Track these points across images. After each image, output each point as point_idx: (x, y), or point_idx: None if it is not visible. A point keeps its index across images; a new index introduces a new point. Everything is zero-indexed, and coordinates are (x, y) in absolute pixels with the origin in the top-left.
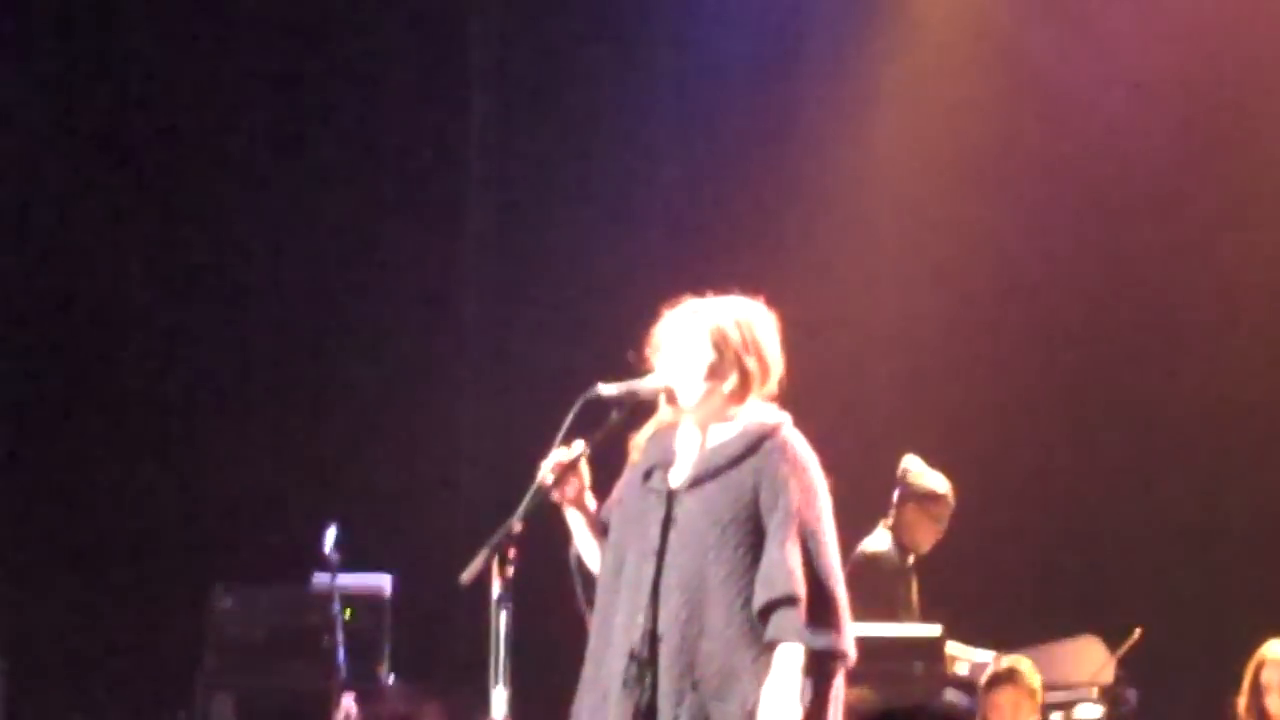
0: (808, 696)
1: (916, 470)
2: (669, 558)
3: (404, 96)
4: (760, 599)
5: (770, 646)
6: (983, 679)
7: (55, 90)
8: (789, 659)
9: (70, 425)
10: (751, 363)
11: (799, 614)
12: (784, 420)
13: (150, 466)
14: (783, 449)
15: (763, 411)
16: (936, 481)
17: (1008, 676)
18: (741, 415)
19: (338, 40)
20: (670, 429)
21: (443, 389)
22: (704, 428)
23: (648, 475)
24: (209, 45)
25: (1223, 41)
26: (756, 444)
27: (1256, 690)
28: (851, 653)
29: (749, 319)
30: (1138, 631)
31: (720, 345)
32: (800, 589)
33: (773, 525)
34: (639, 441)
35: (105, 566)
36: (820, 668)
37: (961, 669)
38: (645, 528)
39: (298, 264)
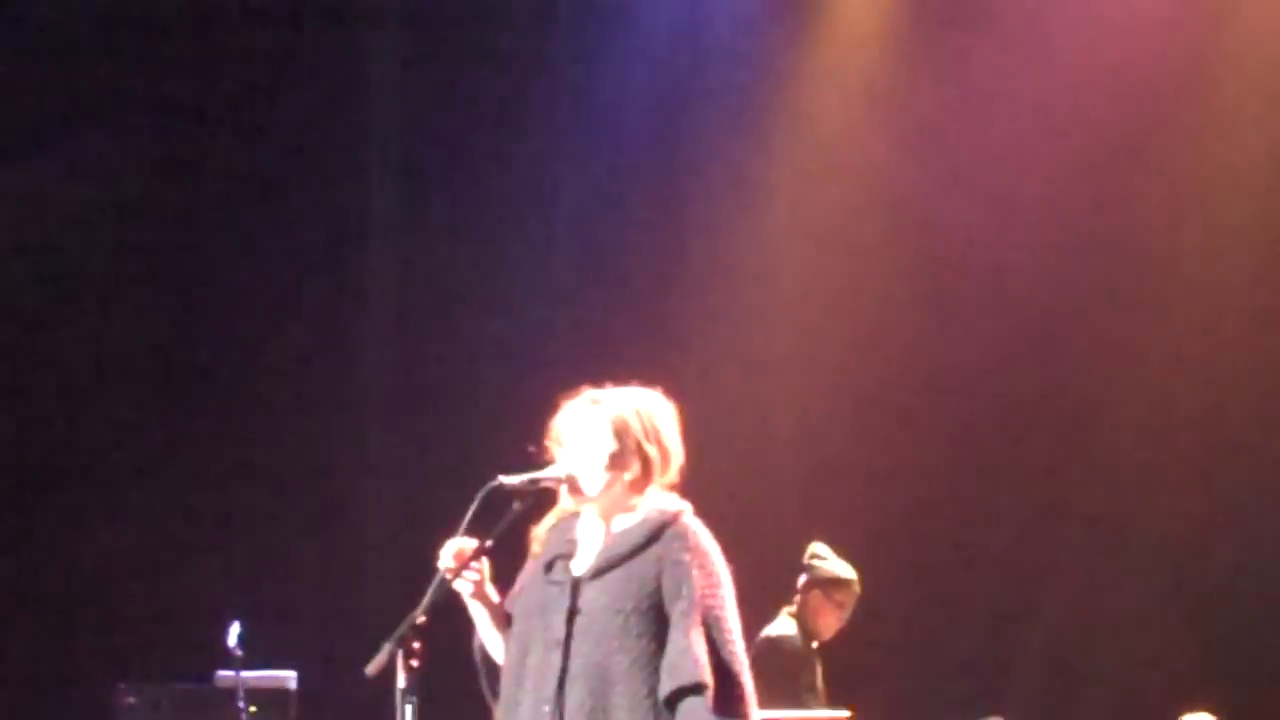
0: None
1: (823, 555)
2: (573, 647)
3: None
4: (666, 687)
5: None
6: None
7: None
8: None
9: None
10: (653, 451)
11: (706, 701)
12: (685, 508)
13: (51, 565)
14: (684, 536)
15: (664, 500)
16: (842, 569)
17: None
18: (643, 504)
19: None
20: (571, 519)
21: (346, 484)
22: (606, 517)
23: (549, 566)
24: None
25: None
26: (658, 532)
27: None
28: None
29: (649, 408)
30: None
31: (621, 434)
32: (706, 676)
33: (676, 613)
34: (540, 533)
35: (8, 665)
36: None
37: None
38: (548, 619)
39: (189, 353)
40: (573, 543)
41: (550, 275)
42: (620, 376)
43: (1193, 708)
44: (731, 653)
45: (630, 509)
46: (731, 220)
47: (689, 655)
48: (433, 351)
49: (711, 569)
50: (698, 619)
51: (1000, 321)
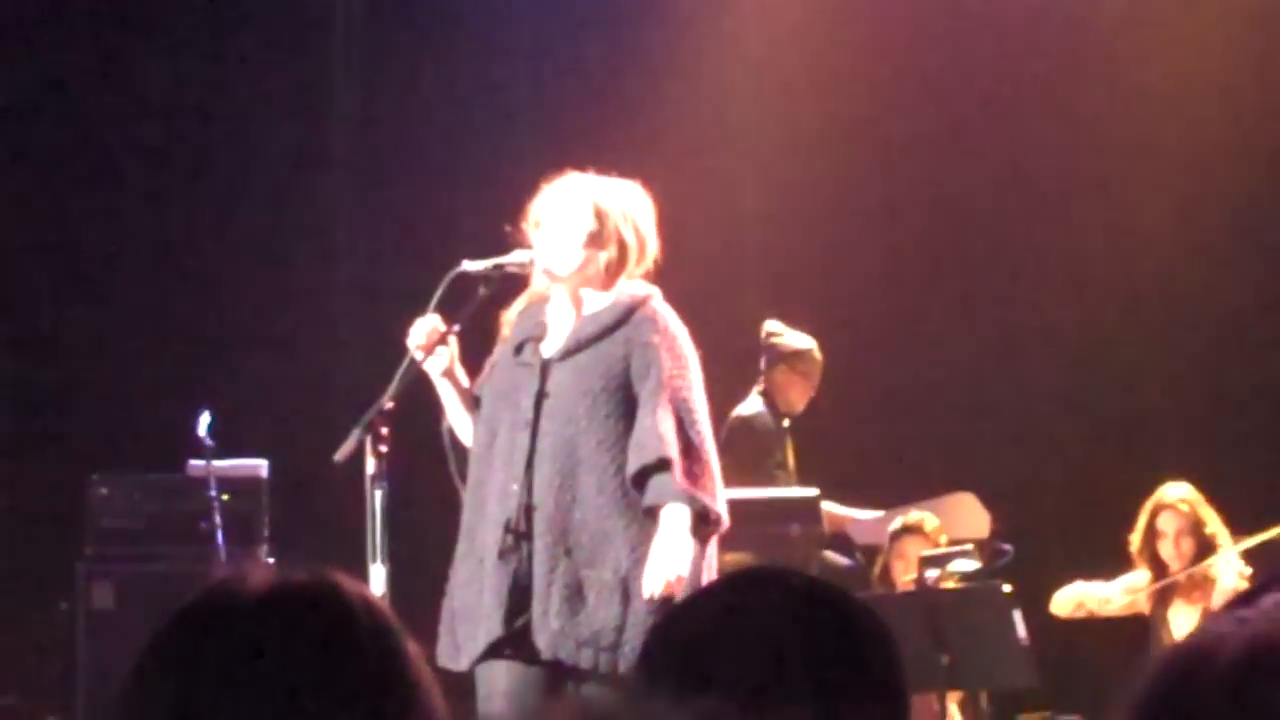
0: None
1: (779, 331)
2: (542, 427)
3: None
4: (634, 464)
5: (646, 512)
6: (890, 528)
7: None
8: (676, 518)
9: None
10: (630, 236)
11: (674, 477)
12: (654, 292)
13: (22, 358)
14: (653, 319)
15: (633, 285)
16: (801, 340)
17: (916, 527)
18: (615, 290)
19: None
20: (541, 303)
21: (314, 273)
22: (578, 301)
23: (519, 349)
24: None
25: None
26: (627, 315)
27: (1151, 533)
28: (724, 517)
29: (630, 197)
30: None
31: (601, 216)
32: (672, 452)
33: (644, 393)
34: (509, 317)
35: None
36: (695, 531)
37: (853, 531)
38: (517, 400)
39: (166, 154)
40: (542, 325)
41: (514, 70)
42: (590, 161)
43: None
44: (698, 432)
45: (602, 293)
46: (698, 13)
47: (654, 433)
48: (400, 134)
49: (680, 351)
50: (665, 399)
51: (965, 103)
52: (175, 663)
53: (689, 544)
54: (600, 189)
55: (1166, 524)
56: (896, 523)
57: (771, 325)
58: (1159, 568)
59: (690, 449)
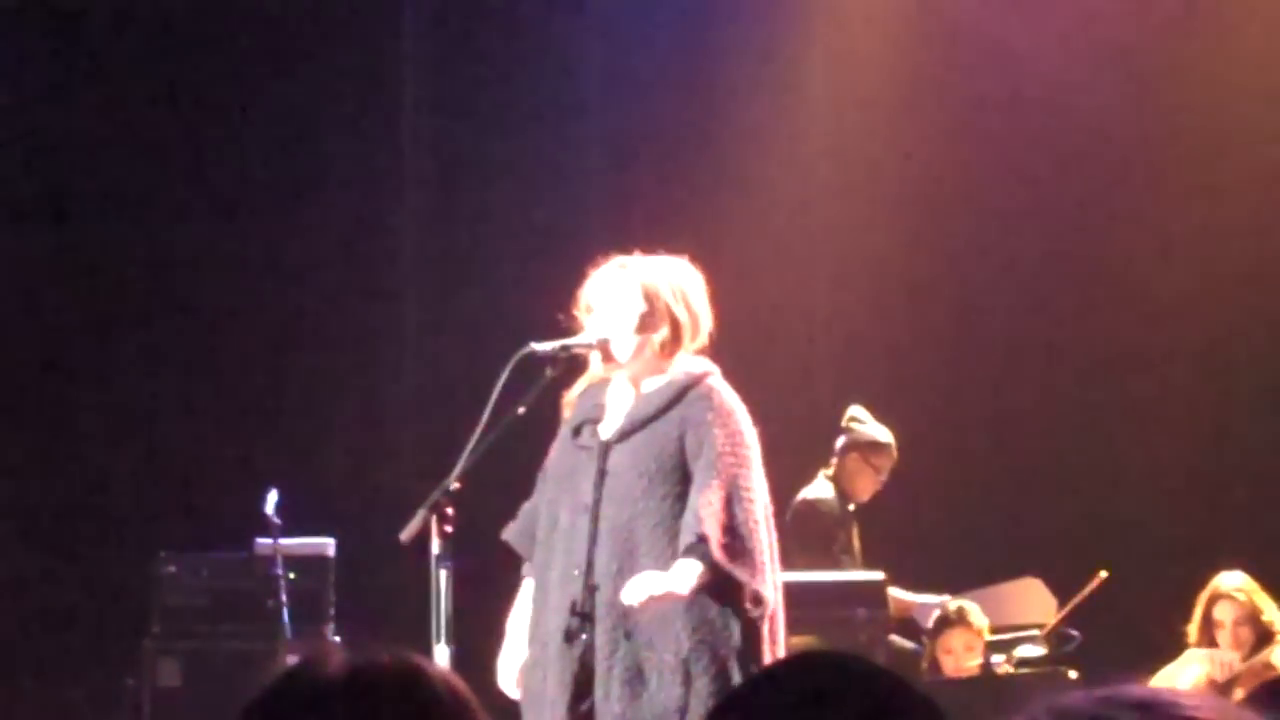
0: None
1: (861, 419)
2: (602, 510)
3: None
4: (682, 543)
5: (701, 593)
6: (931, 622)
7: None
8: (685, 567)
9: (12, 393)
10: (682, 314)
11: (706, 552)
12: (712, 370)
13: (94, 434)
14: (708, 396)
15: (691, 363)
16: (880, 432)
17: (958, 618)
18: (672, 368)
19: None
20: (601, 385)
21: (382, 351)
22: (636, 382)
23: (577, 432)
24: None
25: None
26: (682, 393)
27: (1208, 624)
28: (769, 596)
29: (677, 273)
30: (1101, 574)
31: (651, 298)
32: (710, 529)
33: (697, 472)
34: (570, 399)
35: (51, 535)
36: (738, 607)
37: (919, 615)
38: (577, 483)
39: (232, 234)
40: (601, 407)
41: (583, 156)
42: (652, 250)
43: (1227, 566)
44: (746, 509)
45: (660, 372)
46: (764, 96)
47: (696, 514)
48: (467, 227)
49: (735, 428)
50: (716, 478)
51: (1032, 191)
52: None
53: (685, 585)
54: (647, 269)
55: (1224, 613)
56: (934, 614)
57: (855, 411)
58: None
59: (735, 527)
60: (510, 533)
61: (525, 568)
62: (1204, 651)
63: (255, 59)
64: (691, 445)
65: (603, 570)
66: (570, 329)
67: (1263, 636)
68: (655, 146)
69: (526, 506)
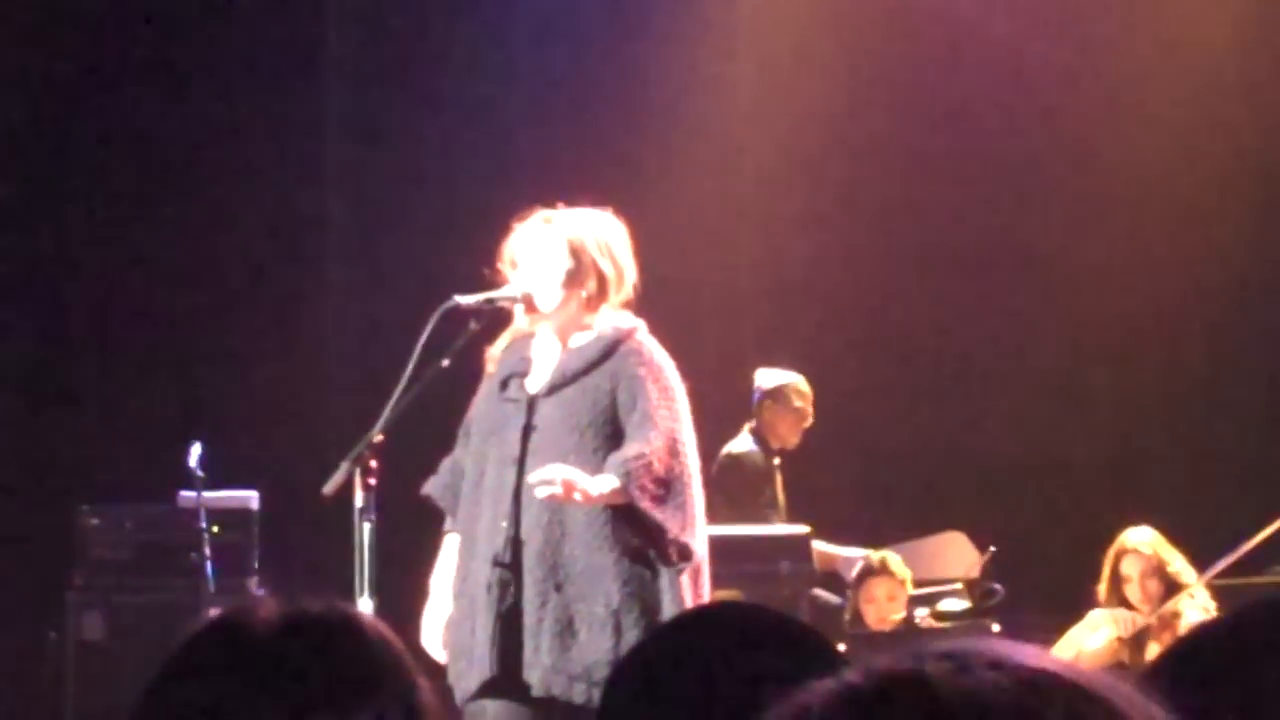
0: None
1: (766, 372)
2: (529, 463)
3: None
4: (608, 465)
5: (631, 546)
6: (854, 573)
7: None
8: (605, 478)
9: None
10: (608, 267)
11: (632, 480)
12: (639, 325)
13: (18, 384)
14: (639, 351)
15: (618, 317)
16: (786, 375)
17: (881, 567)
18: (598, 322)
19: None
20: (525, 339)
21: (307, 305)
22: (562, 335)
23: (504, 385)
24: None
25: None
26: (612, 348)
27: (1116, 579)
28: (698, 550)
29: (603, 226)
30: (991, 550)
31: (577, 251)
32: (644, 471)
33: (630, 427)
34: (494, 353)
35: None
36: (666, 560)
37: (843, 569)
38: (504, 436)
39: (159, 178)
40: (527, 360)
41: (509, 110)
42: (578, 202)
43: (1139, 520)
44: (681, 464)
45: (585, 327)
46: (691, 49)
47: (626, 451)
48: (392, 182)
49: (666, 383)
50: (654, 429)
51: (966, 141)
52: (188, 691)
53: (596, 489)
54: (572, 223)
55: (1130, 568)
56: (858, 566)
57: (760, 371)
58: (1130, 609)
59: (670, 479)
60: (432, 486)
61: (447, 523)
62: (1107, 612)
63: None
64: (624, 400)
65: (532, 522)
66: (495, 283)
67: (1170, 588)
68: (581, 100)
69: (447, 461)
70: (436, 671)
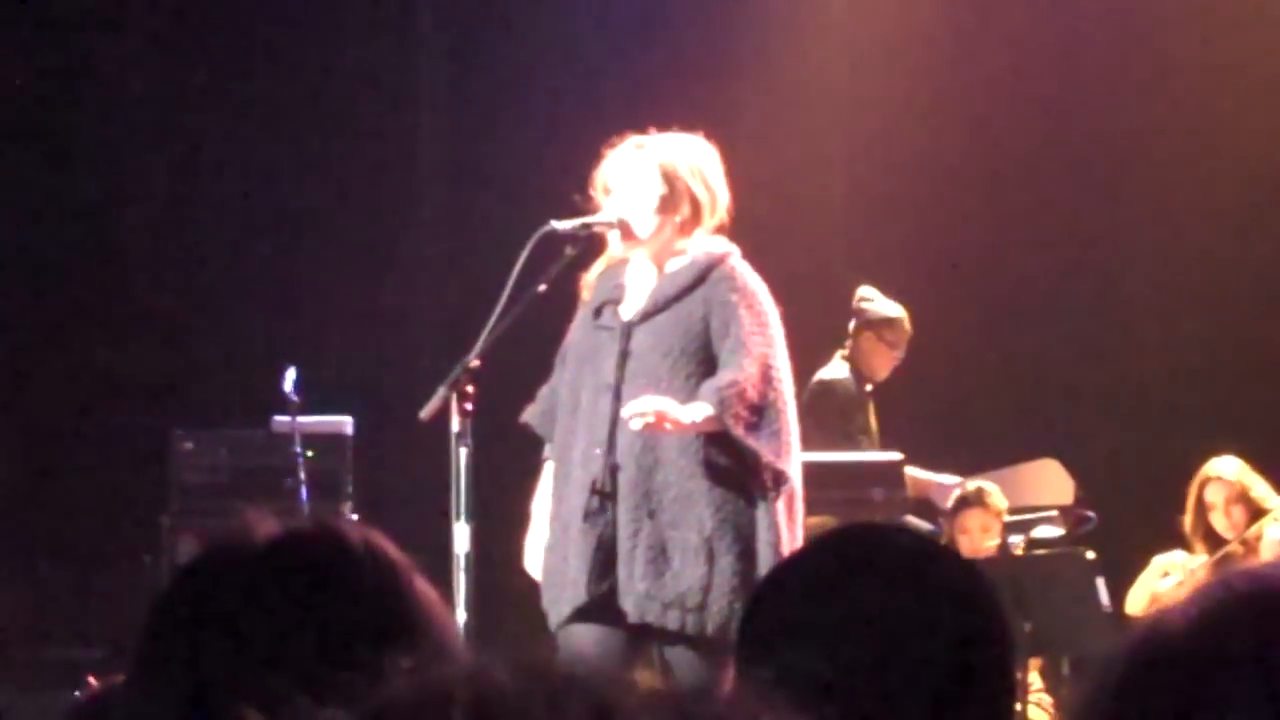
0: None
1: (870, 297)
2: (624, 390)
3: None
4: (702, 393)
5: (730, 473)
6: (949, 502)
7: None
8: (699, 406)
9: (22, 275)
10: (701, 192)
11: (726, 408)
12: (732, 250)
13: (106, 314)
14: (731, 277)
15: (711, 243)
16: (891, 308)
17: (976, 498)
18: (691, 247)
19: None
20: (620, 265)
21: (402, 229)
22: (657, 261)
23: (598, 313)
24: None
25: None
26: (705, 273)
27: (1201, 508)
28: (793, 475)
29: (694, 151)
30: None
31: (670, 177)
32: (737, 397)
33: (724, 352)
34: (589, 280)
35: (66, 414)
36: (761, 486)
37: (936, 496)
38: (599, 363)
39: (250, 110)
40: (621, 287)
41: (600, 37)
42: (669, 128)
43: (1227, 449)
44: (776, 390)
45: (679, 253)
46: None
47: (721, 377)
48: (484, 109)
49: (760, 308)
50: (747, 355)
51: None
52: (183, 618)
53: (689, 417)
54: (665, 149)
55: (1215, 495)
56: (954, 495)
57: (864, 290)
58: (1215, 542)
59: (764, 406)
60: (530, 414)
61: (546, 450)
62: (1165, 559)
63: None
64: (717, 326)
65: (625, 449)
66: (588, 209)
67: (1255, 515)
68: (670, 25)
69: (545, 389)
70: (536, 594)
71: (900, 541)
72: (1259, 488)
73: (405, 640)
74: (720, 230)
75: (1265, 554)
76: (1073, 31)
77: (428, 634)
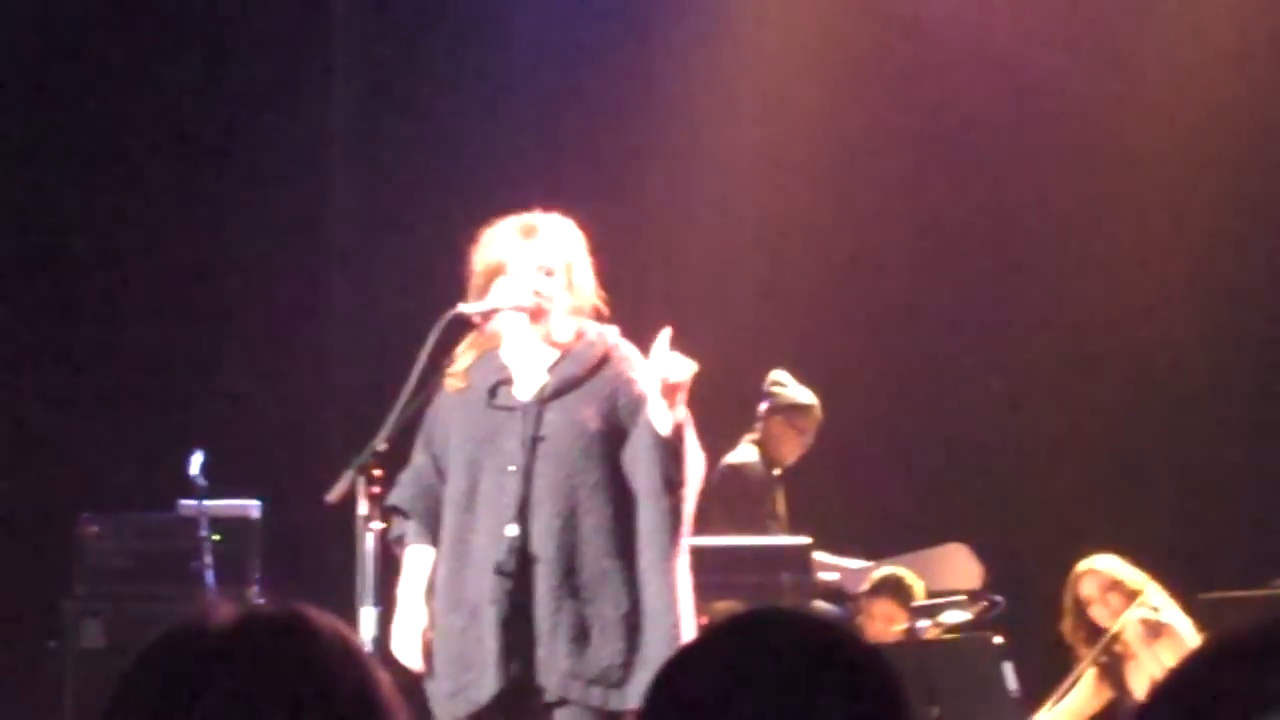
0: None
1: (783, 382)
2: (536, 469)
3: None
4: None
5: (640, 552)
6: (864, 586)
7: None
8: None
9: None
10: (590, 276)
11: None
12: (617, 330)
13: (13, 395)
14: (629, 358)
15: (599, 325)
16: (803, 394)
17: (894, 586)
18: (585, 329)
19: None
20: (491, 349)
21: (309, 313)
22: (550, 342)
23: (493, 393)
24: None
25: None
26: (608, 353)
27: (1078, 607)
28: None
29: (576, 235)
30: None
31: (570, 261)
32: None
33: (636, 430)
34: (459, 368)
35: None
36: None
37: (831, 576)
38: (499, 445)
39: (163, 194)
40: (505, 369)
41: (513, 122)
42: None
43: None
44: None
45: (574, 333)
46: (695, 54)
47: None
48: (395, 190)
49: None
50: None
51: (971, 154)
52: (145, 701)
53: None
54: (560, 231)
55: (1089, 589)
56: (872, 577)
57: (777, 374)
58: (1098, 635)
59: (683, 460)
60: (399, 498)
61: (407, 534)
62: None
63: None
64: (624, 404)
65: (543, 530)
66: (469, 292)
67: (1131, 596)
68: (584, 108)
69: (408, 472)
70: (413, 680)
71: (804, 626)
72: (1130, 574)
73: None
74: (594, 313)
75: (1129, 637)
76: (1001, 105)
77: None
